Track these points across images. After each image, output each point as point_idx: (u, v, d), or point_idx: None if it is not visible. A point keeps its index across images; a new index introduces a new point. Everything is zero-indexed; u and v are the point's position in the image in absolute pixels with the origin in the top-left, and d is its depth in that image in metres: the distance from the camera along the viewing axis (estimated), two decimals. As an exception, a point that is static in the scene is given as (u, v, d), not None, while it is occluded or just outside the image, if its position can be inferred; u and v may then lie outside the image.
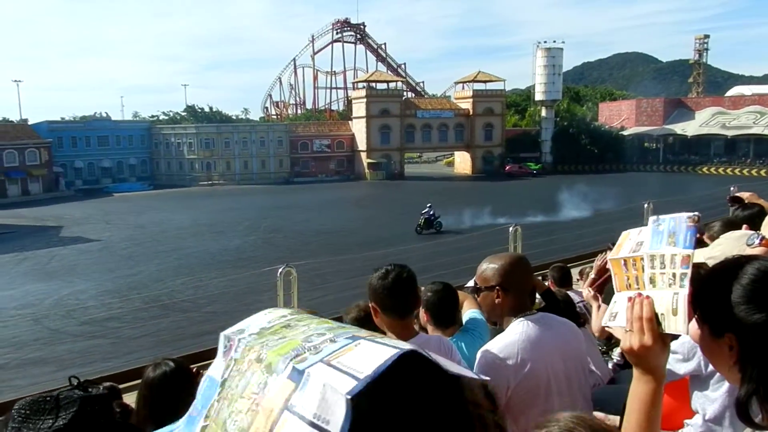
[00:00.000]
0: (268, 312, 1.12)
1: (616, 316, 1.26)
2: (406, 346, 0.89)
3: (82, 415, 1.10)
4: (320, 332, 0.93)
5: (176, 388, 2.10)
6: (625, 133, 75.57)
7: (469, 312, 2.80)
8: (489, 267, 2.20)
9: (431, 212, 31.49)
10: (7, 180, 61.02)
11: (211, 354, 7.13)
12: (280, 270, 7.04)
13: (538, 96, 75.34)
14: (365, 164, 71.55)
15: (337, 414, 0.75)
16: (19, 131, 65.30)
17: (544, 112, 75.55)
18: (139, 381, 5.91)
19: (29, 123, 69.84)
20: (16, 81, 78.95)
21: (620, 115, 78.98)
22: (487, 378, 1.21)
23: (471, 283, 2.28)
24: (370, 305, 2.26)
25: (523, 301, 2.20)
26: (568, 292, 3.99)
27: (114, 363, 14.44)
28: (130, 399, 4.28)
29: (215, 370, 1.00)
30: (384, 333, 2.18)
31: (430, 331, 2.70)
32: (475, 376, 1.11)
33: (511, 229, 9.01)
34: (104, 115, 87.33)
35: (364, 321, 2.99)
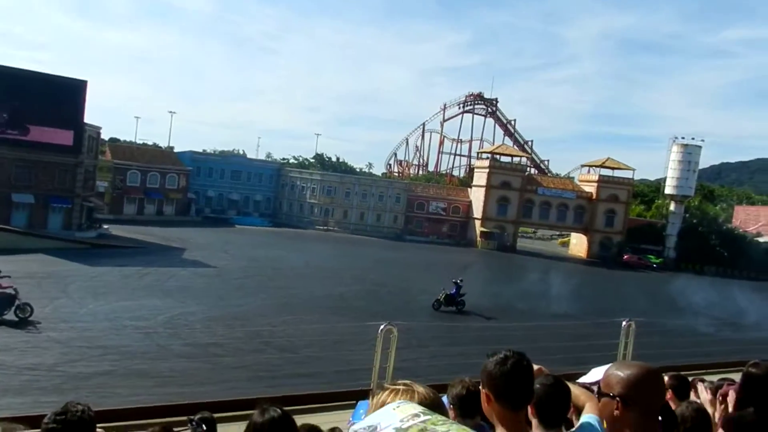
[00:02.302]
0: (397, 407, 1.04)
1: None
2: None
3: None
4: None
5: None
6: (761, 239, 70.39)
7: (586, 416, 2.51)
8: (614, 373, 1.99)
9: (455, 290, 29.27)
10: (146, 199, 66.47)
11: (304, 399, 7.21)
12: (381, 327, 7.02)
13: (669, 190, 72.27)
14: (478, 232, 71.17)
15: None
16: (165, 157, 71.47)
17: (672, 207, 72.25)
18: (232, 413, 6.06)
19: (175, 150, 76.27)
20: (171, 112, 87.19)
21: (758, 221, 73.80)
22: None
23: (591, 378, 2.09)
24: (482, 391, 2.12)
25: (648, 422, 1.95)
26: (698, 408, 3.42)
27: (209, 388, 14.98)
28: (223, 429, 4.41)
29: None
30: (492, 423, 2.08)
31: (534, 427, 2.49)
32: None
33: (624, 323, 8.47)
34: (240, 152, 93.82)
35: (468, 399, 2.88)
